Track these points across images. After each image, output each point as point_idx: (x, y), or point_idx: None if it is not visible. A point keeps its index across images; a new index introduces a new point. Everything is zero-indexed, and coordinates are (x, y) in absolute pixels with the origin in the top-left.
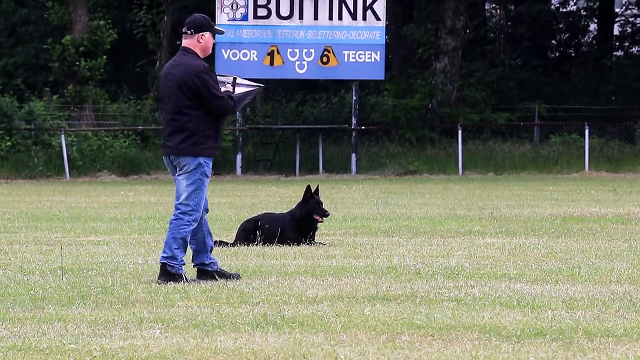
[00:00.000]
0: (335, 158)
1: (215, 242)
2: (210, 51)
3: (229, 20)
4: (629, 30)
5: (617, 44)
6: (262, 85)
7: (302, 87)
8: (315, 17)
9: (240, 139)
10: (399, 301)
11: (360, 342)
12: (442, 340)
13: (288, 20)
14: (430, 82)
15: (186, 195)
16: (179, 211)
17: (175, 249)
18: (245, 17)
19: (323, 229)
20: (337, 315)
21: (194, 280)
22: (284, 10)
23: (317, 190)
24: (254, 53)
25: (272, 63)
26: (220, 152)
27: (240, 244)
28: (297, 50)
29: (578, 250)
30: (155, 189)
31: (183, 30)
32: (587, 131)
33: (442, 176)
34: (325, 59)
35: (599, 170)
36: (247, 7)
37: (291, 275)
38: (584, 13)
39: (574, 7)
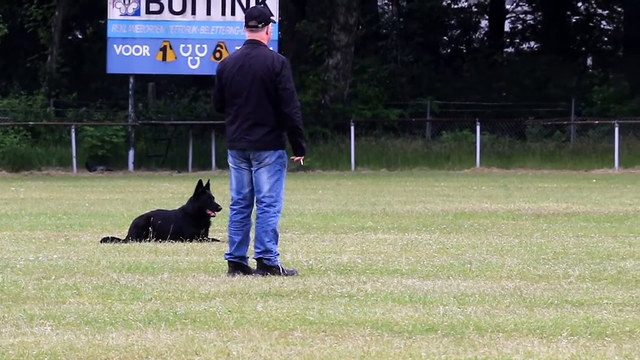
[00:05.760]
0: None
1: (107, 238)
2: None
3: (121, 15)
4: (520, 26)
5: (508, 40)
6: None
7: (195, 82)
8: (208, 13)
9: (133, 134)
10: (291, 297)
11: (252, 339)
12: (334, 336)
13: (181, 16)
14: (323, 78)
15: (268, 187)
16: (264, 204)
17: (268, 242)
18: (137, 12)
19: (216, 225)
20: (229, 311)
21: (291, 272)
22: (177, 6)
23: (207, 185)
24: (146, 48)
25: (164, 58)
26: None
27: (132, 240)
28: (189, 46)
29: (469, 245)
30: (47, 185)
31: (251, 25)
32: (478, 127)
33: (335, 172)
34: (218, 55)
35: (490, 166)
36: (140, 2)
37: (184, 272)
38: (476, 9)
39: (466, 4)
